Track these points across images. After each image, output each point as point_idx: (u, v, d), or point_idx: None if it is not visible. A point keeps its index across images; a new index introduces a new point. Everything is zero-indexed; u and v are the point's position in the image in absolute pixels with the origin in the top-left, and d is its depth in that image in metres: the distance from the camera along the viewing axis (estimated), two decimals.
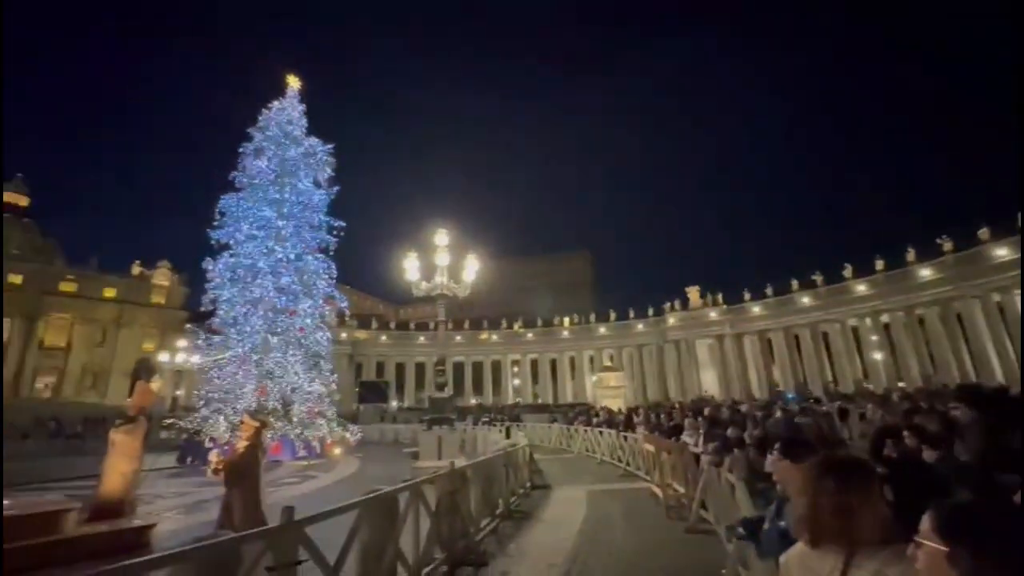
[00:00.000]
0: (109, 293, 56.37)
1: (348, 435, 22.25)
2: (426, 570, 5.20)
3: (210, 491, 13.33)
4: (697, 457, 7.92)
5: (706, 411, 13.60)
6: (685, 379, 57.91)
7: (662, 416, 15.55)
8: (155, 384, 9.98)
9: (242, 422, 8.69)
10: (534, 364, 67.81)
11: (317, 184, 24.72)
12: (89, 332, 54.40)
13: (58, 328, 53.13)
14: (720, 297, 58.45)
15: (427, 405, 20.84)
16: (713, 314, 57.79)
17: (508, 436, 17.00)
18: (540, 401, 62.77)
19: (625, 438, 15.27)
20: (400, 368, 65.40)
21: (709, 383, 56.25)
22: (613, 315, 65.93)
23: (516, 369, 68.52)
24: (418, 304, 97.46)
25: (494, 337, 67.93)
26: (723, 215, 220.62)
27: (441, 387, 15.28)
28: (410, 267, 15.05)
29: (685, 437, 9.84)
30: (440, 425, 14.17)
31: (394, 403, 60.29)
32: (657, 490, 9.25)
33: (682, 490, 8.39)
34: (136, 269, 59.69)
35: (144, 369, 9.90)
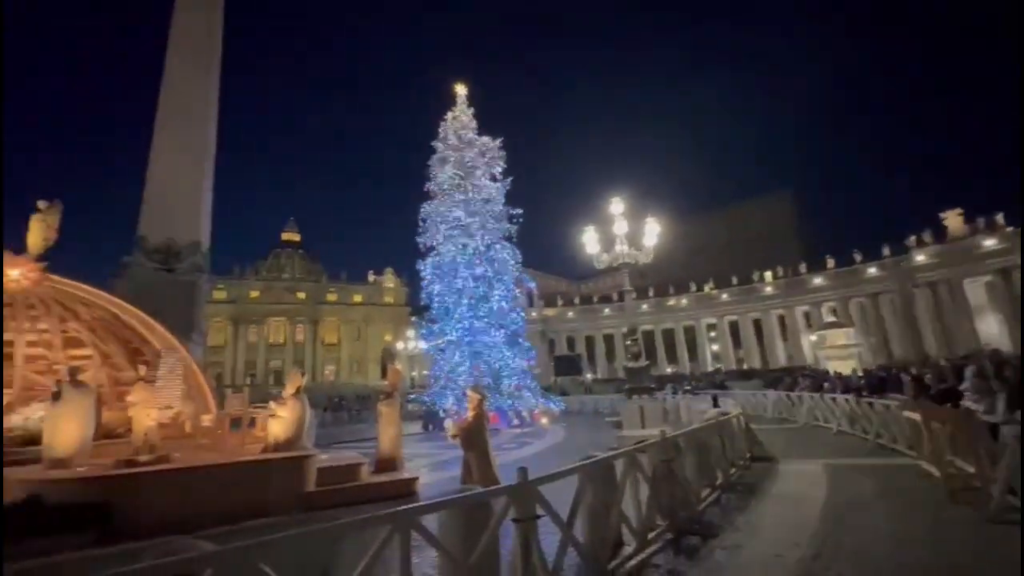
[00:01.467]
0: (357, 299, 71.58)
1: (552, 406, 23.88)
2: (651, 535, 5.23)
3: (448, 452, 15.91)
4: (992, 428, 6.10)
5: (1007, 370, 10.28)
6: (951, 330, 45.00)
7: (927, 378, 12.42)
8: (398, 367, 12.29)
9: (467, 395, 10.12)
10: (733, 327, 61.55)
11: (493, 179, 26.74)
12: (350, 330, 70.12)
13: (331, 329, 69.88)
14: (1000, 218, 43.32)
15: (623, 376, 20.83)
16: (990, 242, 43.25)
17: (716, 405, 15.88)
18: (746, 366, 56.87)
19: (871, 404, 12.72)
20: (589, 341, 66.96)
21: (990, 333, 42.56)
22: (831, 262, 55.04)
23: (713, 334, 63.32)
24: (599, 277, 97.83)
25: (683, 301, 63.89)
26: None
27: (635, 357, 15.08)
28: (589, 241, 15.13)
29: (969, 402, 7.66)
30: (640, 395, 14.04)
31: (588, 375, 62.23)
32: (931, 468, 7.46)
33: (970, 469, 6.58)
34: (371, 277, 74.29)
35: (388, 356, 12.30)
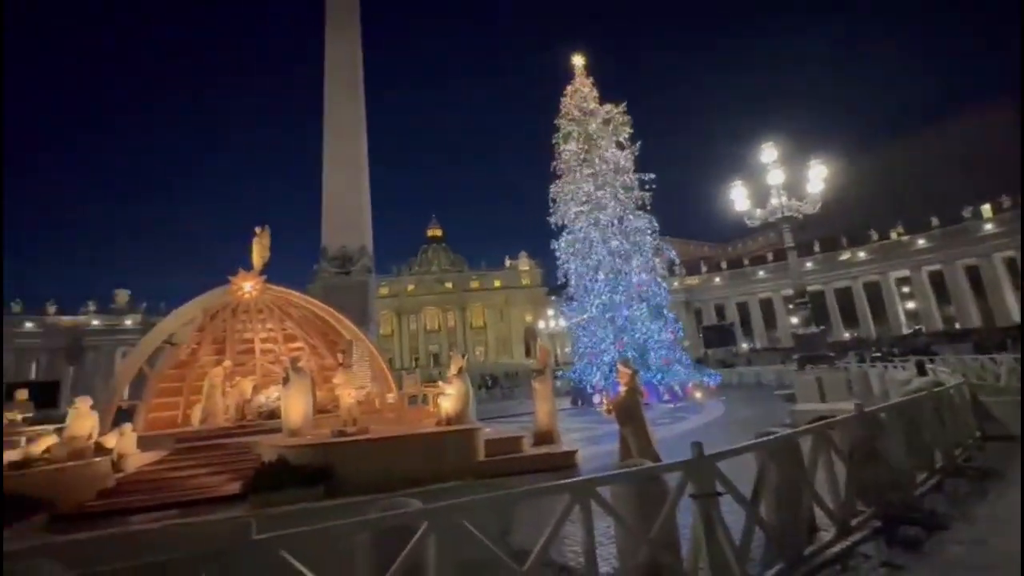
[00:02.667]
0: (497, 283, 75.72)
1: (707, 380, 22.40)
2: (854, 521, 4.60)
3: (600, 427, 16.03)
4: None
5: None
6: None
7: None
8: (545, 345, 12.67)
9: (617, 370, 10.03)
10: (936, 278, 50.01)
11: (620, 146, 25.61)
12: (493, 313, 74.70)
13: (477, 313, 75.30)
14: None
15: (788, 344, 18.48)
16: None
17: (923, 373, 13.15)
18: (959, 326, 46.01)
19: None
20: (742, 308, 60.83)
21: None
22: None
23: (906, 288, 52.39)
24: (747, 237, 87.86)
25: (861, 254, 53.92)
26: None
27: (806, 322, 13.22)
28: (737, 197, 13.60)
29: None
30: (815, 364, 12.32)
31: (744, 345, 56.72)
32: None
33: None
34: (507, 262, 77.76)
35: (531, 335, 12.79)
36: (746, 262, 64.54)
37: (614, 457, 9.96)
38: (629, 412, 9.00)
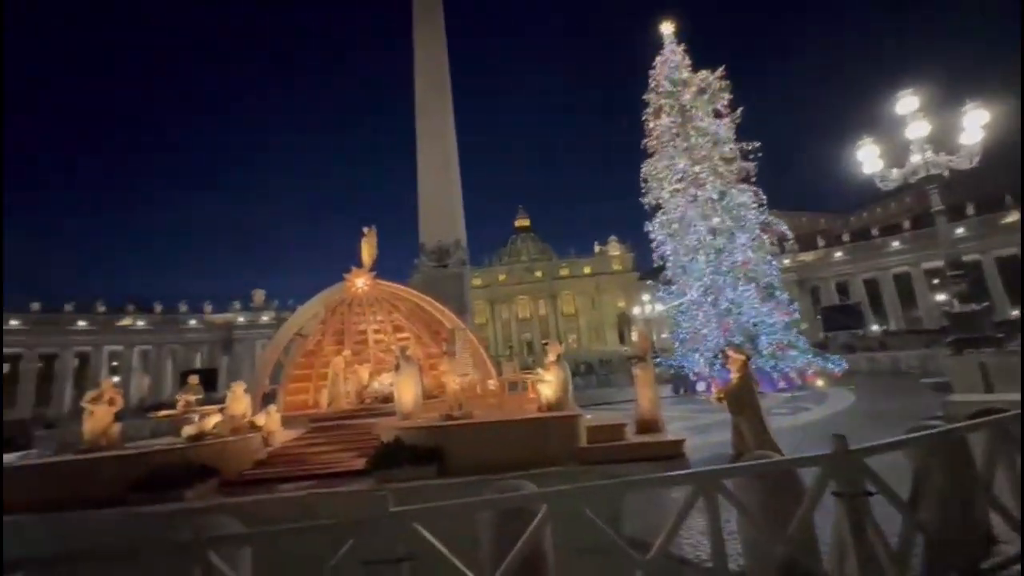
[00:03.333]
0: (587, 270, 74.70)
1: (831, 366, 20.09)
2: None
3: (704, 416, 15.17)
4: None
5: None
6: None
7: None
8: (643, 330, 12.22)
9: (726, 356, 9.37)
10: None
11: (718, 114, 23.66)
12: (584, 300, 73.95)
13: (568, 301, 75.09)
14: None
15: (942, 324, 15.89)
16: None
17: None
18: None
19: None
20: (871, 285, 53.47)
21: None
22: None
23: None
24: (876, 205, 76.80)
25: None
26: None
27: (962, 298, 11.20)
28: (866, 158, 11.90)
29: None
30: (976, 347, 10.42)
31: (873, 327, 49.92)
32: None
33: None
34: (596, 248, 76.29)
35: (626, 321, 12.38)
36: (874, 232, 56.43)
37: (726, 448, 9.37)
38: (742, 401, 8.40)
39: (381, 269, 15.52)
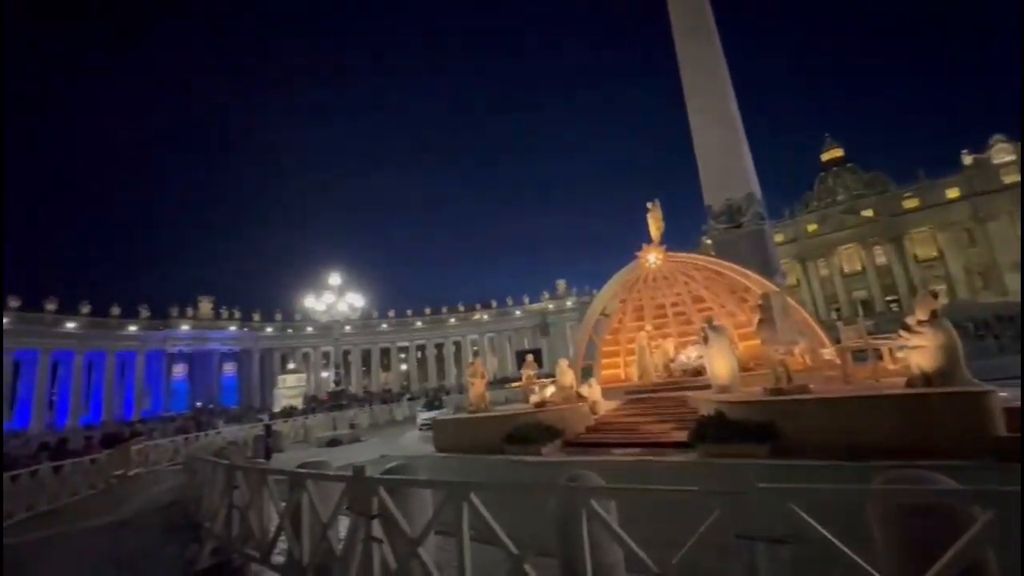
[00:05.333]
0: (952, 194, 53.50)
1: None
2: None
3: None
4: None
5: None
6: None
7: None
8: None
9: None
10: None
11: None
12: (953, 236, 53.26)
13: (922, 241, 55.68)
14: None
15: None
16: None
17: None
18: None
19: None
20: None
21: None
22: None
23: None
24: None
25: None
26: None
27: None
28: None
29: None
30: None
31: None
32: None
33: None
34: (966, 159, 53.62)
35: None
36: None
37: None
38: None
39: (669, 241, 15.19)
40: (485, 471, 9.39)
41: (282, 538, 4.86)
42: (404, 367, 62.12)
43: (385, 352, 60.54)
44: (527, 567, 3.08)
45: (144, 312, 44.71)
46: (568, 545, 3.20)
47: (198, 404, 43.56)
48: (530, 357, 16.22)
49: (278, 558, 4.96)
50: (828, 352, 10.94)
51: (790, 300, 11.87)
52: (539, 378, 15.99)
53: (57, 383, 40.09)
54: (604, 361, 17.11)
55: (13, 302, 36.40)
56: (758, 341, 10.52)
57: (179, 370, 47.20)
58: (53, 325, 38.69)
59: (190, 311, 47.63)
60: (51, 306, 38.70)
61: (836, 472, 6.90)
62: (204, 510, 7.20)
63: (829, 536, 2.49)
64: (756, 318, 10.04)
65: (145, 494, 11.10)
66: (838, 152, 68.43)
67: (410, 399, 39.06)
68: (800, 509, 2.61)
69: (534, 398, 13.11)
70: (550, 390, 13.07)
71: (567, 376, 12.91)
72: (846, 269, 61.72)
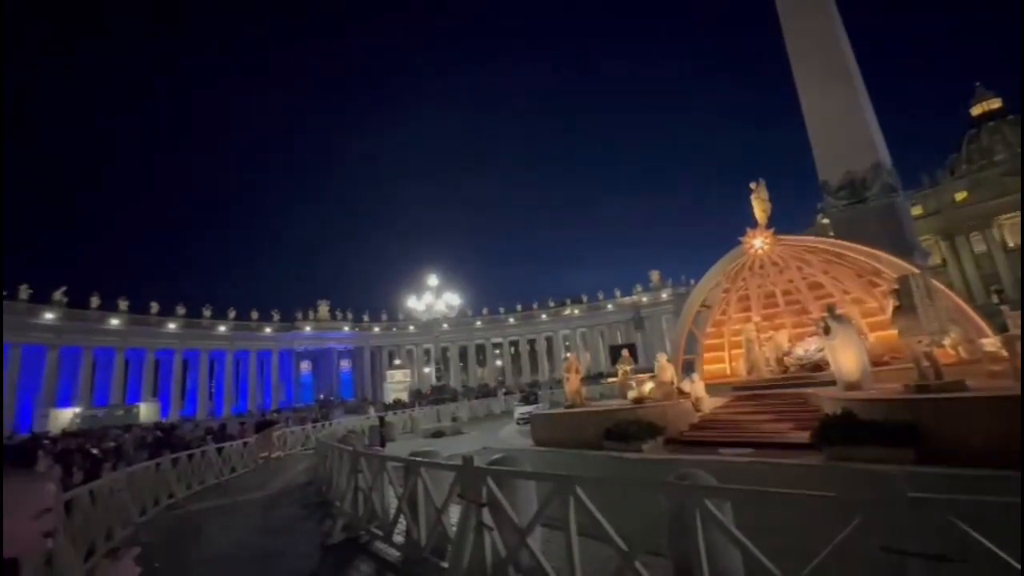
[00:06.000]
0: None
1: None
2: None
3: None
4: None
5: None
6: None
7: None
8: None
9: None
10: None
11: None
12: None
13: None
14: None
15: None
16: None
17: None
18: None
19: None
20: None
21: None
22: None
23: None
24: None
25: None
26: None
27: None
28: None
29: None
30: None
31: None
32: None
33: None
34: None
35: None
36: None
37: None
38: None
39: (777, 224, 13.84)
40: (583, 467, 9.36)
41: (401, 519, 5.31)
42: (499, 363, 63.87)
43: (480, 348, 62.70)
44: (638, 565, 3.04)
45: (276, 316, 51.13)
46: (681, 546, 3.09)
47: (321, 396, 48.77)
48: (625, 352, 15.80)
49: (398, 537, 5.42)
50: (990, 343, 9.21)
51: (935, 283, 10.19)
52: (635, 373, 15.53)
53: (215, 379, 47.36)
54: (707, 355, 16.11)
55: (180, 310, 43.82)
56: (894, 331, 9.19)
57: (305, 366, 53.30)
58: (209, 329, 45.84)
59: (311, 314, 53.44)
60: (207, 313, 45.91)
61: (998, 483, 5.85)
62: (334, 490, 8.08)
63: (1006, 557, 2.13)
64: (891, 305, 8.77)
65: (285, 474, 12.73)
66: (994, 103, 57.14)
67: (506, 394, 40.12)
68: (963, 523, 2.27)
69: (632, 394, 12.75)
70: (649, 386, 12.62)
71: (667, 371, 12.37)
72: (1011, 242, 51.53)
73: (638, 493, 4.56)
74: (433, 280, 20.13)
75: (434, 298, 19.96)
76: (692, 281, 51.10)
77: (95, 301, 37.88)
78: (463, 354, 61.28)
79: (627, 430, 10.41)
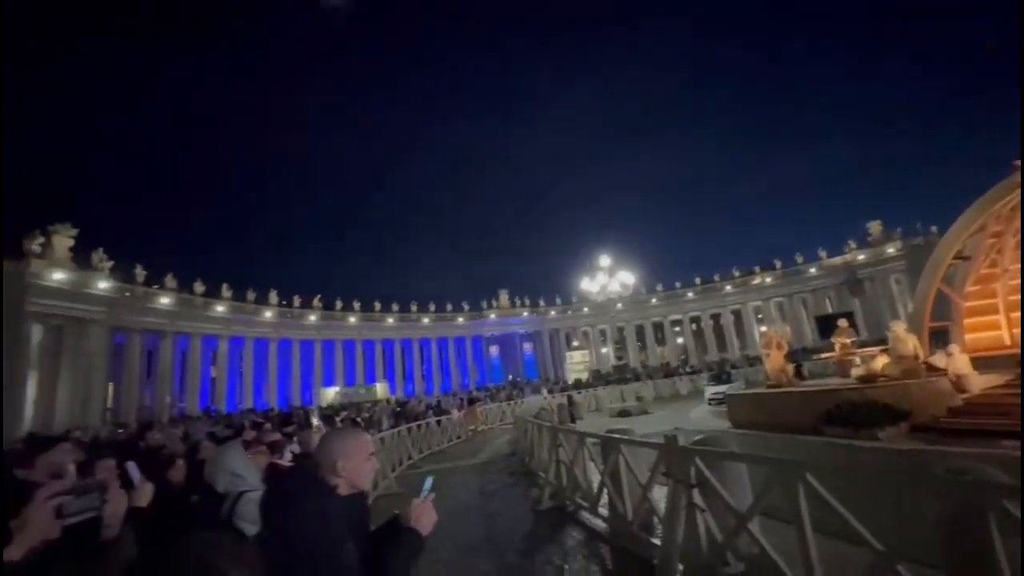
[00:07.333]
0: None
1: None
2: None
3: None
4: None
5: None
6: None
7: None
8: None
9: None
10: None
11: None
12: None
13: None
14: None
15: None
16: None
17: None
18: None
19: None
20: None
21: None
22: None
23: None
24: None
25: None
26: None
27: None
28: None
29: None
30: None
31: None
32: None
33: None
34: None
35: None
36: None
37: None
38: None
39: None
40: (800, 453, 8.25)
41: (604, 493, 5.50)
42: (680, 340, 60.28)
43: (658, 327, 60.04)
44: (901, 569, 2.60)
45: (466, 307, 57.78)
46: (964, 555, 2.54)
47: (509, 377, 53.35)
48: (844, 322, 13.25)
49: (602, 510, 5.64)
50: None
51: None
52: (856, 347, 12.96)
53: (424, 363, 55.98)
54: (967, 321, 12.51)
55: (394, 306, 53.08)
56: None
57: (494, 350, 58.99)
58: (417, 321, 54.34)
59: (494, 303, 58.72)
60: (414, 307, 54.50)
61: None
62: (536, 461, 8.80)
63: None
64: None
65: (491, 445, 14.36)
66: None
67: (691, 373, 37.77)
68: None
69: (857, 371, 10.66)
70: (882, 360, 10.37)
71: (907, 343, 9.96)
72: None
73: (875, 486, 3.88)
74: (605, 260, 20.03)
75: (608, 278, 19.86)
76: (933, 228, 39.84)
77: (338, 303, 48.90)
78: (640, 333, 59.59)
79: (856, 413, 8.81)
